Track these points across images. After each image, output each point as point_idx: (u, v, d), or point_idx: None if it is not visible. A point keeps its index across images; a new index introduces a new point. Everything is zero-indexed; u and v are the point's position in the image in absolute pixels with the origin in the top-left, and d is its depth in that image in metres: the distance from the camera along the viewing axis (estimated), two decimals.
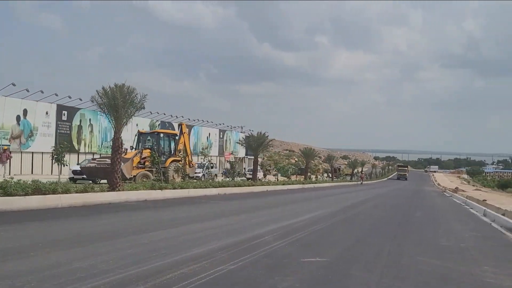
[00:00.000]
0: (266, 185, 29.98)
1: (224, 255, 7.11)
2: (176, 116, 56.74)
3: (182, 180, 23.17)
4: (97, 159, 23.66)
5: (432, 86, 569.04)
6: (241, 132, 74.50)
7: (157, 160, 20.59)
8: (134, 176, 21.39)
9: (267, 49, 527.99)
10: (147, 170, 22.12)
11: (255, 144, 30.53)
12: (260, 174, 53.23)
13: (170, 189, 19.32)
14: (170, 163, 23.47)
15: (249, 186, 27.37)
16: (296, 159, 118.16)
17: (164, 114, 54.39)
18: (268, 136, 31.50)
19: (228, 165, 67.18)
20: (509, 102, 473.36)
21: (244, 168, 60.38)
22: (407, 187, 56.95)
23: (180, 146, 25.72)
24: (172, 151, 24.57)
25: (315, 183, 42.41)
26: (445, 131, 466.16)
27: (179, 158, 24.17)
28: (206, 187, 22.23)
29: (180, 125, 27.01)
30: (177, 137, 25.46)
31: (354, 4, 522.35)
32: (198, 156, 60.79)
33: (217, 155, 67.31)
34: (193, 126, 62.19)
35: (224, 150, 68.44)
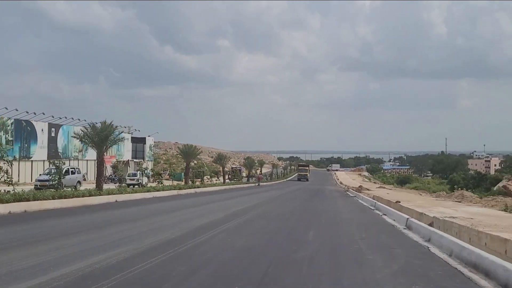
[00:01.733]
0: (117, 194, 21.67)
1: None
2: (35, 113, 46.03)
3: None
4: None
5: (331, 88, 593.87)
6: (128, 133, 64.97)
7: None
8: None
9: (169, 52, 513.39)
10: None
11: (98, 138, 21.76)
12: (143, 179, 44.94)
13: None
14: None
15: (83, 196, 18.95)
16: (196, 162, 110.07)
17: (17, 110, 43.55)
18: (117, 126, 22.83)
19: (110, 170, 57.46)
20: (400, 102, 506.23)
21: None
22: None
23: None
24: None
25: (199, 187, 34.77)
26: (345, 131, 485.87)
27: None
28: None
29: None
30: None
31: (253, 8, 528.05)
32: (70, 160, 50.73)
33: (95, 158, 57.19)
34: (62, 125, 51.59)
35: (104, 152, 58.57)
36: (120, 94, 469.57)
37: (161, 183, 32.41)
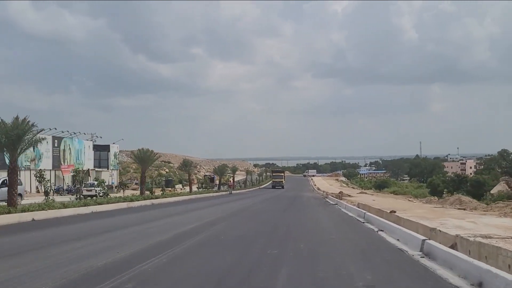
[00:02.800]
0: (36, 211, 16.78)
1: None
2: None
3: None
4: None
5: (306, 94, 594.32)
6: (90, 140, 59.62)
7: None
8: None
9: (142, 61, 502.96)
10: None
11: (7, 138, 16.49)
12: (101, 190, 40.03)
13: None
14: None
15: None
16: (168, 170, 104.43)
17: None
18: (33, 123, 17.65)
19: (68, 181, 51.99)
20: (374, 108, 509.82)
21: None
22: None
23: None
24: None
25: (158, 198, 29.90)
26: (320, 136, 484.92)
27: None
28: None
29: None
30: None
31: (227, 16, 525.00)
32: (24, 170, 45.16)
33: (51, 168, 51.47)
34: None
35: (62, 162, 52.91)
36: (94, 104, 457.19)
37: (108, 194, 27.46)
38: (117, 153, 64.59)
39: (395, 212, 15.87)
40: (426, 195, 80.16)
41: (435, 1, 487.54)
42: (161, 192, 33.52)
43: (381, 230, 13.47)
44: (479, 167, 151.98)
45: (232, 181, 61.12)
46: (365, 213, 17.39)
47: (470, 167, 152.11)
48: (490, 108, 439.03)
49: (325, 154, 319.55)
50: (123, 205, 23.79)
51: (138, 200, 25.90)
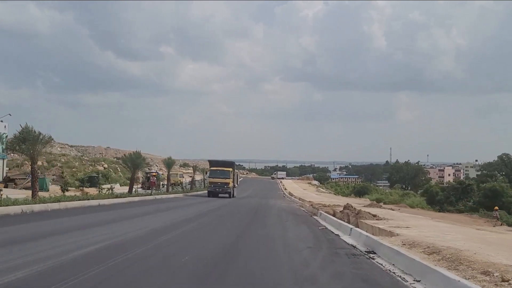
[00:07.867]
0: None
1: None
2: None
3: None
4: None
5: (275, 98, 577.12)
6: None
7: None
8: None
9: (110, 57, 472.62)
10: None
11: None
12: None
13: None
14: None
15: None
16: (106, 166, 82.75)
17: None
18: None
19: None
20: (343, 113, 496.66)
21: None
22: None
23: None
24: None
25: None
26: (289, 140, 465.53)
27: None
28: None
29: None
30: None
31: (197, 15, 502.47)
32: None
33: None
34: None
35: None
36: (59, 100, 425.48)
37: None
38: (4, 135, 42.32)
39: None
40: (424, 205, 61.61)
41: (405, 10, 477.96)
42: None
43: None
44: (457, 175, 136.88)
45: (153, 176, 39.25)
46: None
47: (449, 174, 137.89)
48: (456, 118, 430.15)
49: (294, 157, 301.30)
50: None
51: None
